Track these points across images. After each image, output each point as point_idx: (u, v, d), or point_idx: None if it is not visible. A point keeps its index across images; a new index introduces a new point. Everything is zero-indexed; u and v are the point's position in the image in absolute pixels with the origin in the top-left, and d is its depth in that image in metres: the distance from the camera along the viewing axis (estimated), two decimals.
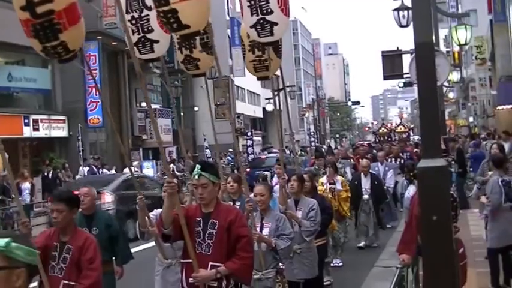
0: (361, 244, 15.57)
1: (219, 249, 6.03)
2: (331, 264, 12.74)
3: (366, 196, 15.66)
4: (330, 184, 13.82)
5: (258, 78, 9.61)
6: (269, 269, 7.61)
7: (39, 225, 24.67)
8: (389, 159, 21.61)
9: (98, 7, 34.21)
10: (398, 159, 22.26)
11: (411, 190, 13.21)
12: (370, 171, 16.32)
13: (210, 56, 8.43)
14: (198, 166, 6.10)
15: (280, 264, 7.87)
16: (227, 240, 6.04)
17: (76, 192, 8.33)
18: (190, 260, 6.00)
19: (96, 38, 34.39)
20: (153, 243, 8.84)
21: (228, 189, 9.54)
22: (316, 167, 16.40)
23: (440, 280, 5.28)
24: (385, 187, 17.46)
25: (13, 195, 22.95)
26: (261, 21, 7.91)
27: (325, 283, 11.38)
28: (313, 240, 9.36)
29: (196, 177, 6.06)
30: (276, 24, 7.92)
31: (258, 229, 7.68)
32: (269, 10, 7.83)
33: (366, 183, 15.77)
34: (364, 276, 12.28)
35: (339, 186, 13.89)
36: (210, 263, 5.99)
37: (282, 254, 7.66)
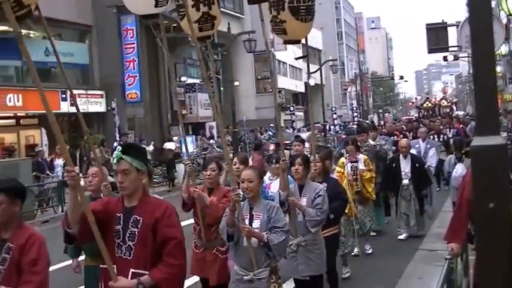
0: (402, 236, 13.69)
1: (142, 253, 5.01)
2: (353, 254, 11.72)
3: (405, 181, 13.59)
4: (351, 163, 12.60)
5: (284, 42, 8.38)
6: (261, 268, 6.57)
7: None
8: (432, 136, 20.46)
9: None
10: (441, 136, 21.30)
11: (459, 169, 12.44)
12: (411, 151, 14.46)
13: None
14: (118, 148, 5.21)
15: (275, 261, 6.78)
16: (152, 242, 5.01)
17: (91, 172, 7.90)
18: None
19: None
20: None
21: (234, 171, 8.51)
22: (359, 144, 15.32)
23: (495, 275, 4.53)
24: (426, 166, 15.97)
25: (48, 172, 22.72)
26: None
27: (344, 276, 10.59)
28: (319, 231, 8.23)
29: (115, 161, 5.13)
30: None
31: (246, 222, 6.64)
32: None
33: (405, 166, 13.66)
34: (406, 262, 11.29)
35: (361, 166, 12.70)
36: (131, 270, 5.00)
37: (275, 250, 6.56)
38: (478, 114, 4.54)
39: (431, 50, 34.57)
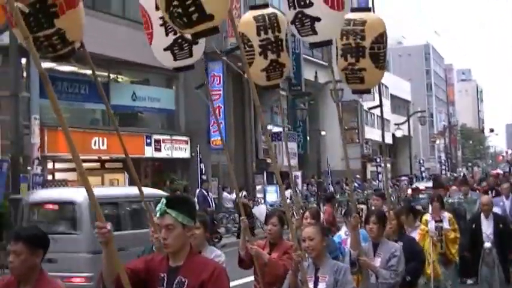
0: None
1: None
2: None
3: (488, 244, 11.89)
4: (435, 222, 11.62)
5: (353, 92, 7.83)
6: None
7: None
8: None
9: (222, 27, 33.52)
10: None
11: None
12: (494, 210, 13.00)
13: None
14: (163, 201, 4.65)
15: None
16: None
17: None
18: None
19: (220, 58, 33.73)
20: None
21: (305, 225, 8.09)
22: None
23: None
24: None
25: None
26: (299, 15, 6.32)
27: None
28: None
29: (159, 214, 4.63)
30: (318, 19, 6.24)
31: (311, 285, 6.12)
32: (307, 2, 6.21)
33: (487, 227, 12.05)
34: None
35: (446, 225, 11.76)
36: None
37: None
38: None
39: None
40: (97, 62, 24.77)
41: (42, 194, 16.66)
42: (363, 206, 13.06)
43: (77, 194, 13.85)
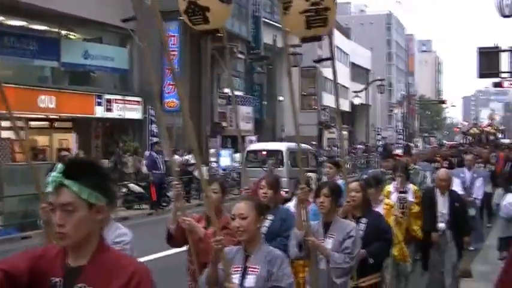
0: None
1: None
2: None
3: (441, 225, 10.15)
4: (400, 193, 10.03)
5: (304, 40, 6.60)
6: None
7: None
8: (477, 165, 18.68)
9: None
10: (489, 165, 19.18)
11: (509, 198, 11.18)
12: (454, 186, 11.36)
13: (225, 5, 6.27)
14: (59, 167, 3.07)
15: None
16: None
17: None
18: None
19: (177, 18, 32.85)
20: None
21: (260, 196, 7.13)
22: (383, 170, 12.84)
23: None
24: (471, 198, 14.39)
25: None
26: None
27: None
28: (348, 283, 6.42)
29: (51, 188, 3.06)
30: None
31: (237, 279, 4.81)
32: None
33: (442, 205, 10.25)
34: None
35: (410, 197, 10.36)
36: None
37: None
38: None
39: (482, 75, 33.24)
40: (48, 18, 23.92)
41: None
42: (313, 175, 11.76)
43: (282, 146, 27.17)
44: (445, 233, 10.17)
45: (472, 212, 14.39)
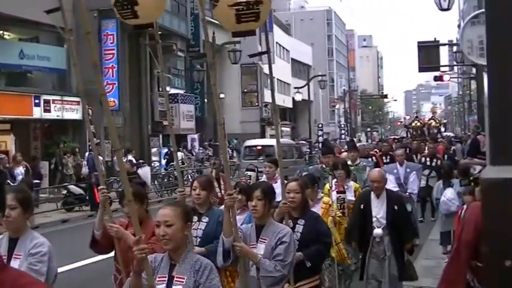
0: None
1: None
2: None
3: (378, 231, 9.03)
4: (338, 193, 9.65)
5: (236, 34, 6.18)
6: None
7: (40, 213, 22.95)
8: (423, 159, 18.72)
9: None
10: (435, 160, 18.73)
11: (448, 193, 11.18)
12: (388, 182, 11.83)
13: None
14: None
15: None
16: None
17: None
18: None
19: (115, 16, 32.55)
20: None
21: (193, 198, 7.01)
22: (324, 167, 12.05)
23: None
24: (406, 194, 14.22)
25: (8, 181, 21.32)
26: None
27: None
28: None
29: None
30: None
31: None
32: None
33: (378, 209, 9.15)
34: None
35: (350, 196, 10.06)
36: None
37: None
38: (492, 140, 3.25)
39: (422, 69, 33.55)
40: None
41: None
42: (251, 173, 11.45)
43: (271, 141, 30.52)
44: (382, 240, 9.03)
45: (408, 207, 14.45)
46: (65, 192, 24.54)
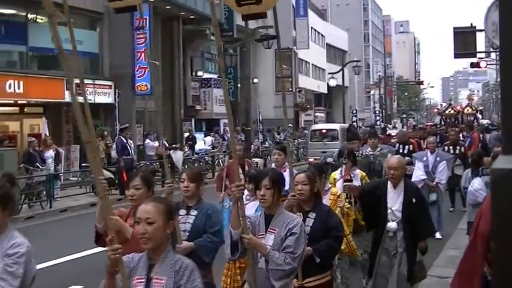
0: None
1: None
2: None
3: (392, 224, 8.25)
4: (345, 181, 8.99)
5: (245, 17, 5.70)
6: None
7: (68, 196, 23.00)
8: (446, 148, 18.03)
9: None
10: (458, 147, 18.15)
11: (475, 183, 10.80)
12: (416, 169, 11.36)
13: None
14: None
15: None
16: None
17: None
18: None
19: (148, 0, 32.48)
20: None
21: (182, 190, 6.63)
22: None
23: None
24: (434, 183, 14.05)
25: (37, 164, 21.39)
26: None
27: None
28: (289, 285, 5.73)
29: None
30: None
31: None
32: None
33: (394, 200, 8.33)
34: None
35: (357, 184, 9.49)
36: None
37: None
38: (505, 128, 3.01)
39: (457, 55, 32.92)
40: (15, 1, 23.41)
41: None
42: (259, 160, 11.04)
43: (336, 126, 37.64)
44: (395, 235, 8.29)
45: (433, 197, 14.14)
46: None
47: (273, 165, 10.62)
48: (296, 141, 45.82)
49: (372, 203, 8.42)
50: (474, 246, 4.57)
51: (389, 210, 8.25)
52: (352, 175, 9.45)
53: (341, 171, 9.59)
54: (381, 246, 8.30)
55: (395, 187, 8.29)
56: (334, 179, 9.71)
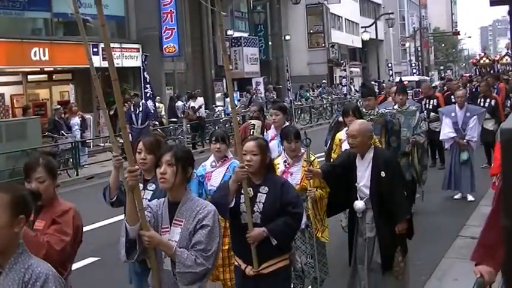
0: None
1: None
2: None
3: (358, 204, 6.98)
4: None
5: None
6: None
7: (97, 163, 22.75)
8: (478, 100, 16.93)
9: None
10: (489, 100, 16.86)
11: None
12: (443, 126, 10.55)
13: None
14: None
15: None
16: None
17: None
18: None
19: None
20: None
21: (138, 162, 5.88)
22: (364, 111, 10.07)
23: None
24: (464, 140, 13.21)
25: (63, 131, 21.14)
26: None
27: None
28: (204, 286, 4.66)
29: None
30: None
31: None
32: None
33: (362, 174, 6.99)
34: (442, 253, 8.90)
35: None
36: None
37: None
38: None
39: (493, 3, 31.97)
40: None
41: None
42: (255, 122, 10.15)
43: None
44: (364, 216, 7.00)
45: (464, 156, 13.31)
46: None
47: (272, 127, 9.37)
48: (330, 97, 45.11)
49: (344, 179, 7.09)
50: (497, 216, 4.00)
51: (357, 186, 6.97)
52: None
53: (346, 131, 7.79)
54: (356, 228, 7.11)
55: (363, 158, 6.95)
56: (340, 139, 8.82)
